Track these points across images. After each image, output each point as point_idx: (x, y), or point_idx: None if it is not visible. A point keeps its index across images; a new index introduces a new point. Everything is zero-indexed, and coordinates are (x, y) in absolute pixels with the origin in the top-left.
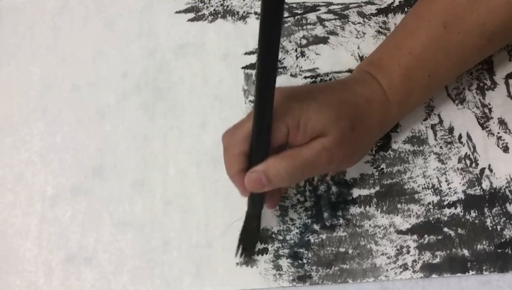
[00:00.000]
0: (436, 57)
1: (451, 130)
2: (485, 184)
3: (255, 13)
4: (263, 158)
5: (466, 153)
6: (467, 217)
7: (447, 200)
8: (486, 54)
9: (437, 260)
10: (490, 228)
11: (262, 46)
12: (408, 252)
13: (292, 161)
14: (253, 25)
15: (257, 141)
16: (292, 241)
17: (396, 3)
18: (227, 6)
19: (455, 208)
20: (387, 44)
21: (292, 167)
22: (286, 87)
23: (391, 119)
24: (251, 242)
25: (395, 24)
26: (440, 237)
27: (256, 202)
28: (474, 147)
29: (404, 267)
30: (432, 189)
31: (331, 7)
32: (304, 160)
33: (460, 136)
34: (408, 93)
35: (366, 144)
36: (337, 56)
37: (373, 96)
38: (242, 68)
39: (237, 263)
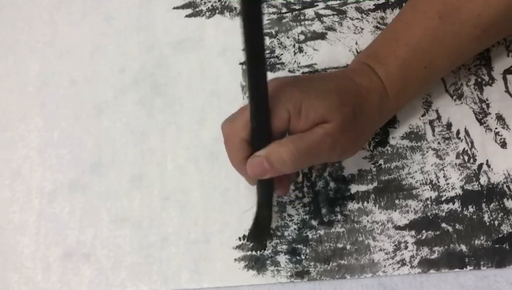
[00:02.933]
0: (432, 48)
1: (449, 125)
2: (483, 180)
3: None
4: (265, 143)
5: (464, 148)
6: (465, 212)
7: (445, 195)
8: (482, 46)
9: (435, 255)
10: (487, 224)
11: (246, 27)
12: (406, 247)
13: (294, 146)
14: None
15: (257, 125)
16: (290, 237)
17: None
18: (225, 2)
19: (453, 204)
20: (384, 35)
21: (295, 152)
22: (287, 76)
23: (389, 109)
24: (262, 230)
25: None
26: (438, 233)
27: (264, 189)
28: (472, 143)
29: (402, 262)
30: (430, 185)
31: (329, 3)
32: (307, 145)
33: (458, 132)
34: (405, 84)
35: (367, 132)
36: (335, 51)
37: (371, 85)
38: (240, 64)
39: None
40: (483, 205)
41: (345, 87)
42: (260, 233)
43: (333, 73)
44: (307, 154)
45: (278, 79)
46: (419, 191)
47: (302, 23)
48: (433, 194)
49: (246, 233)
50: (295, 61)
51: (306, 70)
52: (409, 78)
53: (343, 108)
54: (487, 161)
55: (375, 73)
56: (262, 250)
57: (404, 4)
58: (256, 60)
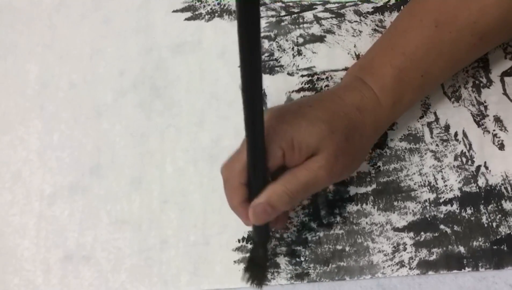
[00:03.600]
0: (428, 57)
1: (447, 127)
2: (481, 181)
3: None
4: (263, 184)
5: (462, 150)
6: (463, 214)
7: (443, 197)
8: (478, 54)
9: (434, 257)
10: (485, 225)
11: (245, 78)
12: (405, 249)
13: (292, 185)
14: None
15: (254, 170)
16: (290, 239)
17: (393, 1)
18: (224, 5)
19: (451, 205)
20: (379, 44)
21: (294, 191)
22: (275, 108)
23: (384, 122)
24: (259, 270)
25: (391, 22)
26: (436, 234)
27: (261, 230)
28: (470, 145)
29: (401, 264)
30: (428, 187)
31: (328, 6)
32: (304, 182)
33: (456, 134)
34: (400, 95)
35: (362, 152)
36: (334, 54)
37: (364, 103)
38: (239, 66)
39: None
40: (481, 206)
41: (335, 111)
42: (256, 273)
43: (323, 95)
44: (306, 190)
45: (267, 113)
46: (417, 193)
47: (301, 26)
48: (432, 196)
49: (246, 235)
50: (294, 64)
51: (305, 72)
52: (405, 88)
53: (335, 135)
54: (485, 163)
55: (368, 87)
56: (259, 287)
57: (402, 7)
58: (254, 112)
